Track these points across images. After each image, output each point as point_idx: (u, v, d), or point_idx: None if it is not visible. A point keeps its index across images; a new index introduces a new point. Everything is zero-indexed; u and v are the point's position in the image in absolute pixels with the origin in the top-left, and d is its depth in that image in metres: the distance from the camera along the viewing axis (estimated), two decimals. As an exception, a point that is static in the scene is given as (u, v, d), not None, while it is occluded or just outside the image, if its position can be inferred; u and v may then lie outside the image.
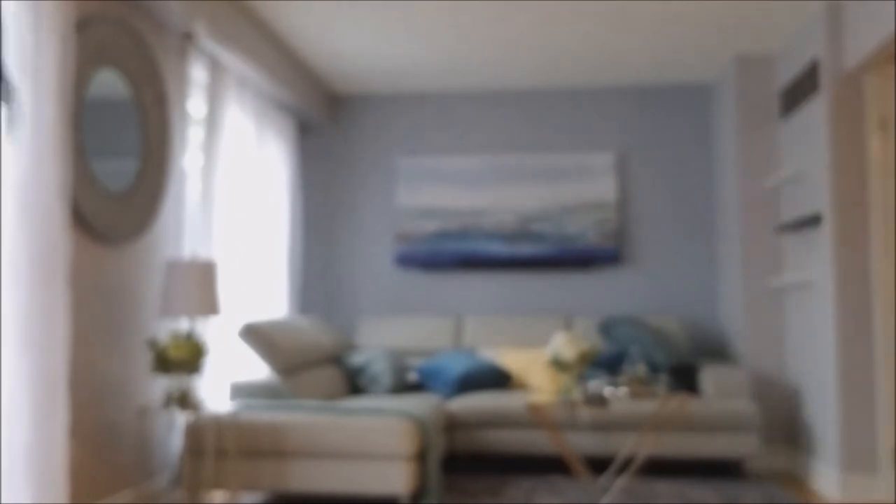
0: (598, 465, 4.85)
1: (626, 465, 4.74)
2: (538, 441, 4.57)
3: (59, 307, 2.65)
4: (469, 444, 4.63)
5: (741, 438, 4.49)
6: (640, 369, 3.94)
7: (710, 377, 4.68)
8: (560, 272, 5.70)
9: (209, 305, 3.54)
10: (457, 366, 4.88)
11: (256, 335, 4.21)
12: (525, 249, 5.65)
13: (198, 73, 4.15)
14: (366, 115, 5.94)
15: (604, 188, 5.62)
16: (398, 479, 3.65)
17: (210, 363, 4.05)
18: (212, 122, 4.27)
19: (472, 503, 3.95)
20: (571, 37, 4.76)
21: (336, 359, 4.96)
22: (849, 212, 4.13)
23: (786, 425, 4.89)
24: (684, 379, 4.80)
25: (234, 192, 4.45)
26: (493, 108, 5.84)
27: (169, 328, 3.91)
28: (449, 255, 5.68)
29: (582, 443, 4.56)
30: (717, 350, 5.46)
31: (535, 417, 4.52)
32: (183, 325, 3.96)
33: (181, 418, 3.89)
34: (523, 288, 5.72)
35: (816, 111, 4.34)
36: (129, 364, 3.58)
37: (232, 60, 4.30)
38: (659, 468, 4.86)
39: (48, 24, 2.65)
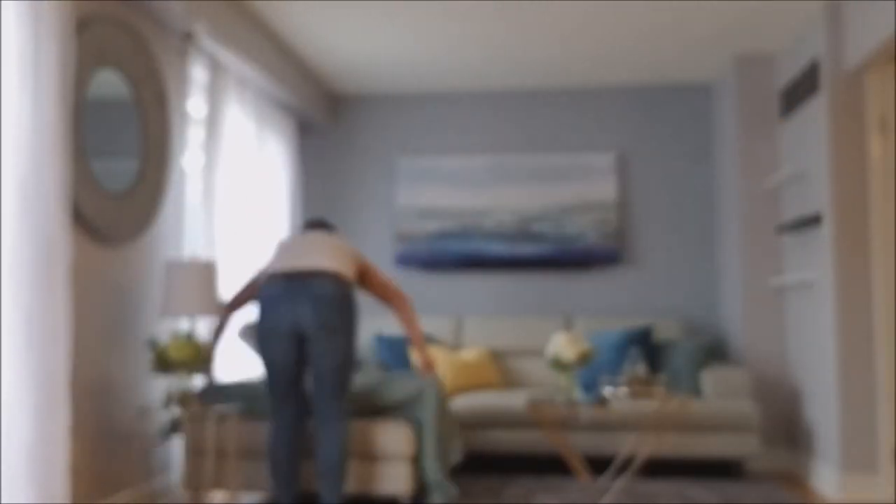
0: (598, 465, 4.85)
1: (626, 465, 4.74)
2: (538, 441, 4.57)
3: (59, 307, 2.65)
4: (469, 444, 4.63)
5: (741, 438, 4.49)
6: (640, 369, 3.94)
7: (710, 377, 4.68)
8: (560, 272, 5.70)
9: (209, 305, 3.54)
10: None
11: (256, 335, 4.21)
12: (525, 249, 5.65)
13: (198, 73, 4.15)
14: (366, 115, 5.94)
15: (604, 188, 5.62)
16: (398, 479, 3.65)
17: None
18: (212, 121, 4.27)
19: (472, 503, 3.95)
20: (571, 37, 4.76)
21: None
22: (849, 212, 4.13)
23: (786, 425, 4.89)
24: None
25: (235, 192, 4.45)
26: (493, 108, 5.84)
27: (169, 328, 3.91)
28: (449, 255, 5.68)
29: (582, 443, 4.56)
30: (717, 350, 5.46)
31: (535, 417, 4.52)
32: (183, 325, 3.96)
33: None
34: (523, 288, 5.72)
35: (816, 111, 4.34)
36: (129, 364, 3.58)
37: (232, 60, 4.30)
38: (659, 468, 4.86)
39: (48, 24, 2.65)
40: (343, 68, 5.35)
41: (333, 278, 3.36)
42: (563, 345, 3.94)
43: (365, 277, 3.74)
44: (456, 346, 5.42)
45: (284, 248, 3.52)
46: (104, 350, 3.39)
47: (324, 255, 3.44)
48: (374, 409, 3.77)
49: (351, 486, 3.68)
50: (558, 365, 3.96)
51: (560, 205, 5.65)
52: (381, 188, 5.88)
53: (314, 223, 3.80)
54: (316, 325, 3.30)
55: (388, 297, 3.79)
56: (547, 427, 3.91)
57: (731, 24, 4.56)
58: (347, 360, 3.38)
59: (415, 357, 3.78)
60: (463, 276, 5.77)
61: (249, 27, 4.37)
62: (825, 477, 4.23)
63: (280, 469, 3.43)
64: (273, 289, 3.36)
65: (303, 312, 3.30)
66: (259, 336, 3.40)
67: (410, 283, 5.78)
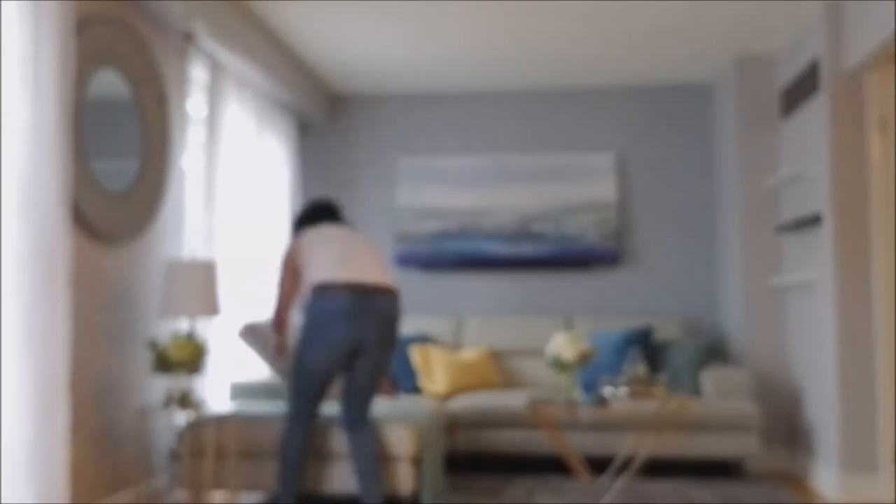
0: (598, 465, 4.85)
1: (626, 465, 4.74)
2: (538, 441, 4.57)
3: (59, 307, 2.65)
4: (469, 444, 4.63)
5: (741, 438, 4.49)
6: (640, 369, 3.94)
7: (710, 377, 4.68)
8: (560, 272, 5.70)
9: (209, 305, 3.54)
10: None
11: (256, 335, 4.21)
12: (525, 249, 5.64)
13: (198, 73, 4.15)
14: (366, 115, 5.94)
15: (604, 188, 5.62)
16: (398, 479, 3.65)
17: (210, 363, 4.05)
18: (212, 121, 4.27)
19: (472, 503, 3.95)
20: (571, 37, 4.76)
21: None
22: (849, 212, 4.13)
23: (786, 425, 4.89)
24: None
25: (235, 191, 4.45)
26: (493, 108, 5.84)
27: (169, 328, 3.91)
28: (449, 255, 5.68)
29: (582, 443, 4.56)
30: (717, 350, 5.46)
31: (535, 417, 4.52)
32: (183, 325, 3.96)
33: (181, 418, 3.89)
34: (523, 288, 5.72)
35: (816, 111, 4.34)
36: (129, 364, 3.58)
37: (232, 60, 4.30)
38: (659, 468, 4.86)
39: (48, 24, 2.65)
40: (343, 68, 5.35)
41: (394, 296, 3.48)
42: (563, 345, 3.94)
43: None
44: (456, 346, 5.42)
45: (329, 250, 3.48)
46: (104, 350, 3.39)
47: (379, 266, 3.53)
48: None
49: (351, 486, 3.68)
50: (558, 365, 3.96)
51: (560, 205, 5.65)
52: (381, 188, 5.88)
53: (326, 208, 3.82)
54: (376, 341, 3.41)
55: None
56: (547, 427, 3.91)
57: (731, 24, 4.56)
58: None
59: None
60: (463, 276, 5.77)
61: (249, 27, 4.37)
62: (825, 477, 4.23)
63: (291, 469, 3.49)
64: (336, 302, 3.34)
65: (367, 330, 3.37)
66: (311, 344, 3.39)
67: (410, 284, 5.78)
